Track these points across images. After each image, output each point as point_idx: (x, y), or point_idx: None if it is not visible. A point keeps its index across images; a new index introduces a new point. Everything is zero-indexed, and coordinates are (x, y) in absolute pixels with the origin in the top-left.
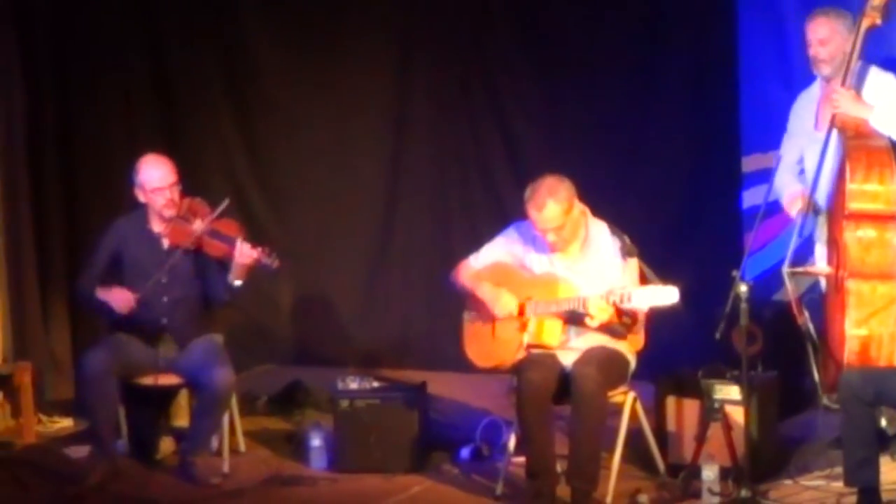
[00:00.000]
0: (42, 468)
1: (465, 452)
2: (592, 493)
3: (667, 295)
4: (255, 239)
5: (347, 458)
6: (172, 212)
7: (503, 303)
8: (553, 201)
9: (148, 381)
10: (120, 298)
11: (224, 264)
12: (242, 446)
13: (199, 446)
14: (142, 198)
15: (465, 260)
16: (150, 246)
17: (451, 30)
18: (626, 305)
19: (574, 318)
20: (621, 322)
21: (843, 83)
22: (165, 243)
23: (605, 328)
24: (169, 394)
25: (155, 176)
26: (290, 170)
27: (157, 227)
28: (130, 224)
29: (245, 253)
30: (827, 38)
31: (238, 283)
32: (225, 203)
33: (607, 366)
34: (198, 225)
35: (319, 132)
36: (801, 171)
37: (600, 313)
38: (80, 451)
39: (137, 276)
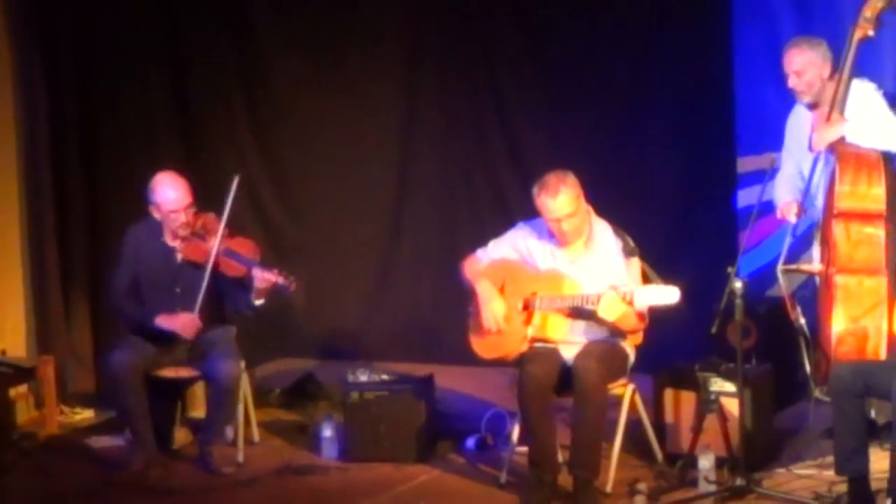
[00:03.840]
0: (65, 458)
1: (470, 442)
2: (594, 482)
3: (668, 295)
4: (268, 233)
5: (357, 448)
6: (187, 231)
7: (491, 309)
8: (564, 187)
9: (167, 373)
10: (185, 325)
11: (241, 283)
12: (257, 437)
13: (212, 436)
14: (157, 216)
15: (473, 253)
16: (164, 258)
17: (457, 36)
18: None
19: (579, 314)
20: (640, 320)
21: (830, 112)
22: (179, 257)
23: (613, 325)
24: (185, 385)
25: (171, 198)
26: (302, 172)
27: (170, 240)
28: (145, 233)
29: (262, 278)
30: (802, 69)
31: (259, 302)
32: (233, 189)
33: (608, 359)
34: (212, 243)
35: (331, 136)
36: (802, 179)
37: (611, 310)
38: (100, 441)
39: (152, 287)
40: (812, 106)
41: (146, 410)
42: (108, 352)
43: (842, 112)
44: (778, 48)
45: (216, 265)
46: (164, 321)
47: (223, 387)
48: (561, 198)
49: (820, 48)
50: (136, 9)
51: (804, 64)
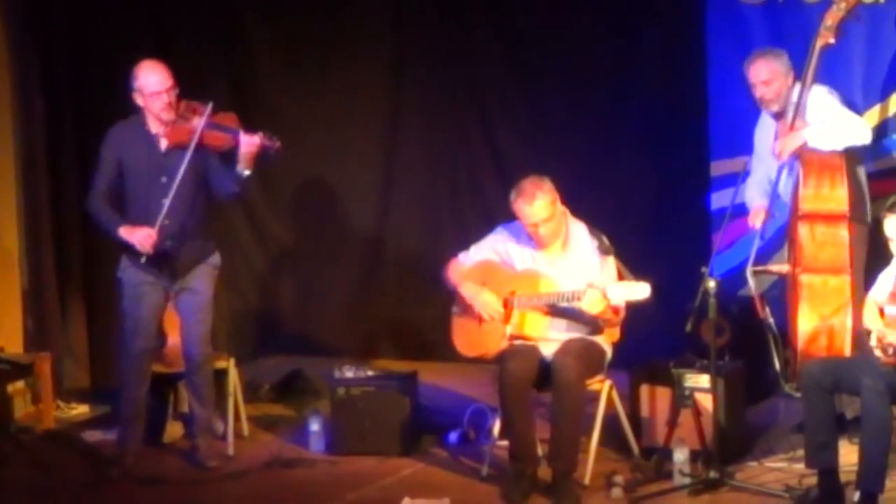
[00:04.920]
0: (61, 452)
1: (453, 437)
2: (572, 474)
3: (639, 290)
4: (257, 234)
5: (344, 441)
6: (171, 115)
7: (483, 300)
8: (540, 193)
9: (159, 368)
10: (141, 239)
11: (227, 157)
12: (246, 431)
13: (198, 426)
14: (140, 102)
15: (455, 257)
16: (148, 147)
17: (440, 44)
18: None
19: (557, 312)
20: (615, 314)
21: (794, 118)
22: (163, 144)
23: (594, 320)
24: (177, 380)
25: (153, 80)
26: (290, 173)
27: (154, 128)
28: (127, 128)
29: (248, 141)
30: (770, 77)
31: (247, 172)
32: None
33: (586, 356)
34: (197, 121)
35: (318, 138)
36: (770, 183)
37: (594, 306)
38: (95, 436)
39: (137, 178)
40: (777, 115)
41: (143, 402)
42: (116, 335)
43: (803, 117)
44: (749, 55)
45: (201, 141)
46: (125, 232)
47: (191, 363)
48: (537, 204)
49: (783, 58)
50: (128, 15)
51: (771, 73)
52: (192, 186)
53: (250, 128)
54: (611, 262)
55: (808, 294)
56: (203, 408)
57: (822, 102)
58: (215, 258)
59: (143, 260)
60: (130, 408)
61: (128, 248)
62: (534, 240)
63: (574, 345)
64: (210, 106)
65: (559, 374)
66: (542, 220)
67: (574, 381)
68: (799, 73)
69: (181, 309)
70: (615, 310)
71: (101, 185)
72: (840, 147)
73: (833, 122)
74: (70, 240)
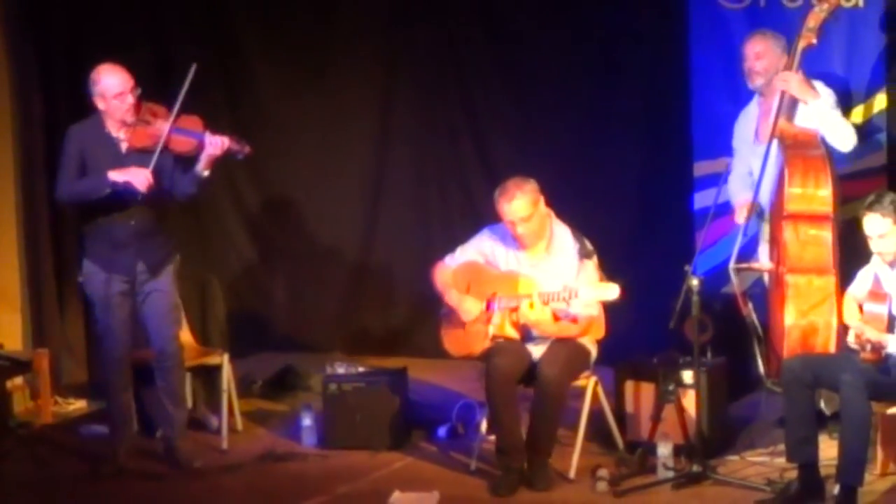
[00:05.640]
0: (59, 446)
1: (442, 431)
2: (548, 462)
3: (609, 292)
4: (251, 234)
5: (335, 436)
6: (133, 117)
7: (465, 309)
8: (520, 192)
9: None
10: (138, 177)
11: (188, 160)
12: (240, 426)
13: (176, 428)
14: (102, 105)
15: (441, 260)
16: (109, 150)
17: (431, 49)
18: (573, 306)
19: None
20: (573, 322)
21: (778, 108)
22: (124, 147)
23: (532, 326)
24: None
25: (114, 82)
26: (283, 174)
27: (114, 131)
28: (87, 129)
29: (215, 143)
30: (762, 52)
31: (206, 173)
32: (189, 76)
33: (571, 363)
34: (161, 125)
35: (309, 140)
36: (751, 175)
37: (530, 314)
38: (92, 431)
39: None
40: (764, 96)
41: (130, 399)
42: (96, 342)
43: (791, 118)
44: (731, 59)
45: (166, 146)
46: (117, 174)
47: (165, 359)
48: (516, 203)
49: (780, 41)
50: (126, 15)
51: (765, 49)
52: (155, 188)
53: (238, 131)
54: (589, 267)
55: (794, 293)
56: (178, 408)
57: (823, 91)
58: (177, 259)
59: (140, 198)
60: (118, 411)
61: (89, 249)
62: (515, 239)
63: (560, 352)
64: (193, 68)
65: (543, 383)
66: (520, 219)
67: (556, 387)
68: None
69: (151, 311)
70: (573, 319)
71: (71, 174)
72: (825, 135)
73: (838, 118)
74: (68, 238)
